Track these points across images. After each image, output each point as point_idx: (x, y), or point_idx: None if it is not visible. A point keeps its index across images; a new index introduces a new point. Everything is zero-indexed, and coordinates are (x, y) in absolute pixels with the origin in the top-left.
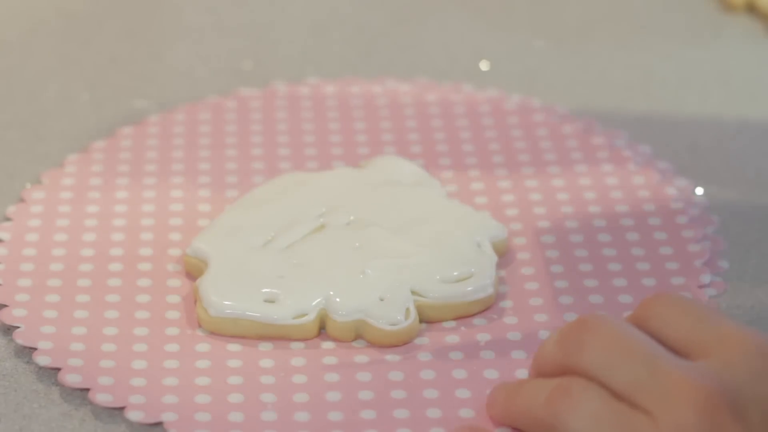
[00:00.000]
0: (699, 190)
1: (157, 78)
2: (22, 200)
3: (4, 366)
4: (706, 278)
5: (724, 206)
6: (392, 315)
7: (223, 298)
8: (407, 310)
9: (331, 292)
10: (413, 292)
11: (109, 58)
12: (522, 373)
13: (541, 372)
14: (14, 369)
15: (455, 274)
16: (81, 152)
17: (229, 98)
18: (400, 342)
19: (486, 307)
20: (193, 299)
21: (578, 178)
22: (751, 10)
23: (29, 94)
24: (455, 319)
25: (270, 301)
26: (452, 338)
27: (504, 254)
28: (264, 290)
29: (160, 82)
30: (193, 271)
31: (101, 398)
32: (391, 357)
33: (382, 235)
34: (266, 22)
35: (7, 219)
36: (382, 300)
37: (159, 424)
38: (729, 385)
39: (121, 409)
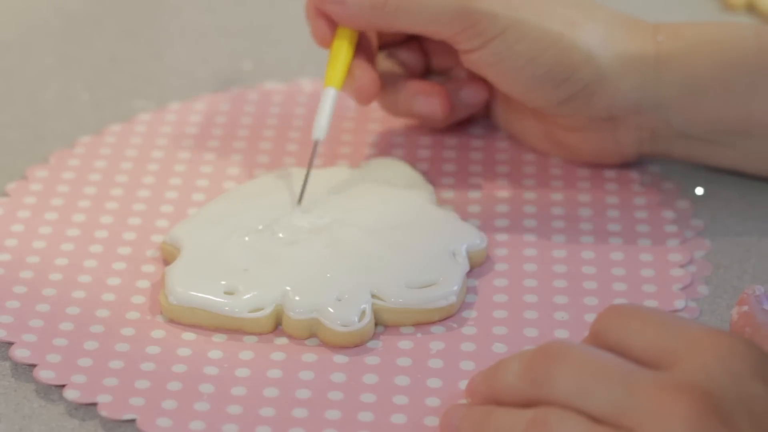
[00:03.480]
0: (699, 190)
1: (157, 78)
2: (24, 177)
3: (4, 366)
4: (680, 303)
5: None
6: (346, 316)
7: (184, 286)
8: (363, 312)
9: (290, 289)
10: (374, 296)
11: (109, 58)
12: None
13: (501, 402)
14: (14, 369)
15: (419, 280)
16: (94, 134)
17: (252, 91)
18: (352, 344)
19: (447, 316)
20: (161, 284)
21: (578, 195)
22: (751, 10)
23: (29, 94)
24: (414, 325)
25: (230, 293)
26: (405, 344)
27: (481, 264)
28: (225, 282)
29: (160, 82)
30: (168, 258)
31: (44, 375)
32: (339, 358)
33: (355, 236)
34: (266, 23)
35: (5, 194)
36: (339, 300)
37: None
38: (711, 390)
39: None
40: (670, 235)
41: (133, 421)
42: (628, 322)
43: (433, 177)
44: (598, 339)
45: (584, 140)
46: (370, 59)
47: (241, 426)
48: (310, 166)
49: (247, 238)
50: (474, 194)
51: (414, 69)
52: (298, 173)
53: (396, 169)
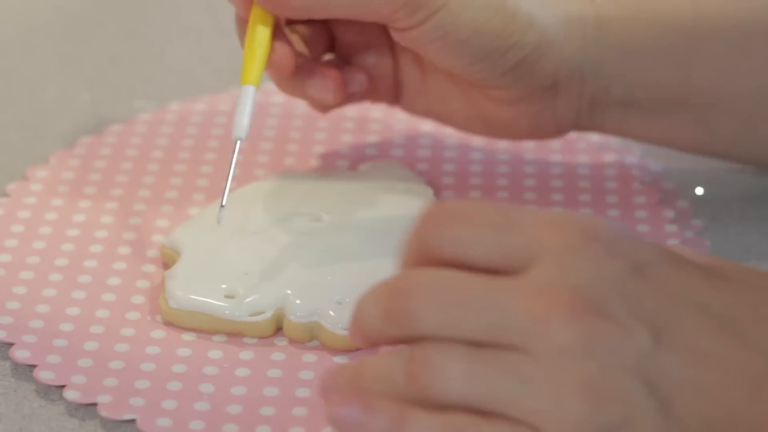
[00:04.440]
0: (699, 190)
1: (157, 78)
2: (24, 177)
3: (4, 366)
4: None
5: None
6: (348, 320)
7: (184, 290)
8: None
9: (290, 293)
10: None
11: (109, 58)
12: None
13: (373, 345)
14: (14, 369)
15: None
16: (94, 134)
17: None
18: (353, 347)
19: None
20: (161, 288)
21: (579, 194)
22: None
23: (29, 94)
24: None
25: (230, 297)
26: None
27: None
28: (225, 286)
29: (160, 82)
30: (168, 261)
31: (44, 376)
32: (339, 358)
33: (356, 239)
34: None
35: (6, 195)
36: (340, 304)
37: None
38: (578, 285)
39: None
40: (670, 234)
41: (133, 421)
42: (456, 231)
43: (433, 177)
44: (428, 257)
45: (521, 114)
46: (282, 31)
47: (242, 425)
48: (232, 166)
49: (247, 242)
50: (474, 194)
51: (316, 47)
52: (299, 176)
53: (395, 173)
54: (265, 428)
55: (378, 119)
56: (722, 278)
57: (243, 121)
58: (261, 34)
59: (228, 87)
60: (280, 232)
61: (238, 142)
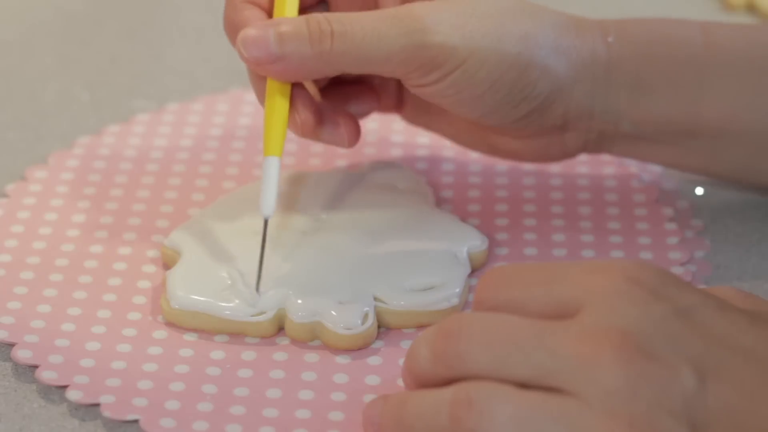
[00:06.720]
0: (699, 190)
1: (157, 78)
2: (23, 178)
3: (4, 366)
4: None
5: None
6: (349, 319)
7: (186, 291)
8: (365, 315)
9: (291, 293)
10: (376, 299)
11: (109, 58)
12: None
13: (424, 386)
14: (15, 369)
15: (421, 283)
16: (93, 135)
17: (251, 91)
18: (356, 346)
19: None
20: (162, 289)
21: (578, 192)
22: (751, 9)
23: (29, 94)
24: (418, 327)
25: (231, 297)
26: (407, 344)
27: (483, 265)
28: (226, 286)
29: (160, 82)
30: (168, 262)
31: (46, 376)
32: (341, 359)
33: (356, 239)
34: None
35: (5, 195)
36: (341, 303)
37: (97, 405)
38: (625, 328)
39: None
40: (670, 233)
41: (134, 421)
42: (510, 293)
43: (432, 176)
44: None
45: (530, 146)
46: (301, 86)
47: (245, 426)
48: (263, 246)
49: (247, 242)
50: (474, 194)
51: (323, 80)
52: (299, 176)
53: (395, 173)
54: (268, 429)
55: (378, 119)
56: (767, 323)
57: (270, 198)
58: (280, 101)
59: (228, 87)
60: (280, 232)
61: (267, 221)
